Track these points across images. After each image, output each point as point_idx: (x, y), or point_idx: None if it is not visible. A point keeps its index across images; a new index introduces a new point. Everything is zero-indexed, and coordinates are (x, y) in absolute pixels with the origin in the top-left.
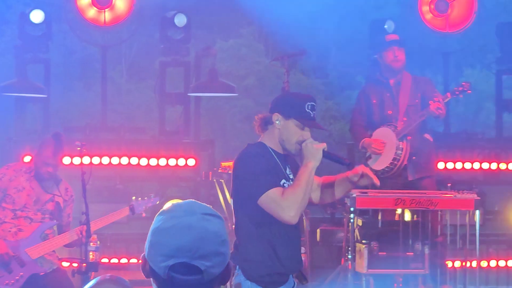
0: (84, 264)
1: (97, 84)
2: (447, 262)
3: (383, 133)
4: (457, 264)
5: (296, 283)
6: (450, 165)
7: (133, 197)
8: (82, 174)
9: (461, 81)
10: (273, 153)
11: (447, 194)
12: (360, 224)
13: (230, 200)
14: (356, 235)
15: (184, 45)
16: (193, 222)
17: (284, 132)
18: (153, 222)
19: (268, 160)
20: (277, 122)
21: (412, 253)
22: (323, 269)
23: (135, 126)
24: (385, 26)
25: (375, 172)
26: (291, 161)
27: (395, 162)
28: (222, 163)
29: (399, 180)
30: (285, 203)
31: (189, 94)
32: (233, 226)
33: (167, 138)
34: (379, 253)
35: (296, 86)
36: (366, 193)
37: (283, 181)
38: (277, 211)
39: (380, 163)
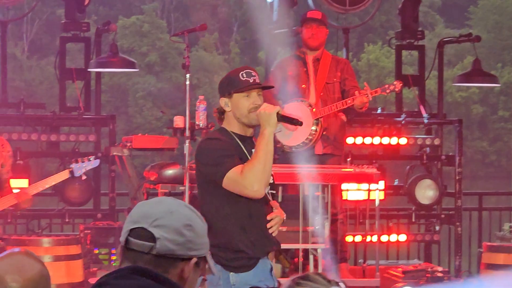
0: None
1: None
2: (347, 237)
3: (298, 109)
4: (358, 238)
5: (271, 265)
6: (350, 140)
7: (73, 160)
8: None
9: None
10: (235, 136)
11: (347, 168)
12: None
13: (131, 176)
14: None
15: (84, 21)
16: (168, 201)
17: (235, 110)
18: None
19: (227, 143)
20: (225, 105)
21: (312, 228)
22: None
23: (36, 102)
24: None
25: (286, 147)
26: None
27: (308, 141)
28: (123, 138)
29: (305, 154)
30: (245, 179)
31: (89, 69)
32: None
33: (67, 113)
34: (280, 227)
35: (198, 63)
36: None
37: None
38: (240, 190)
39: (294, 140)
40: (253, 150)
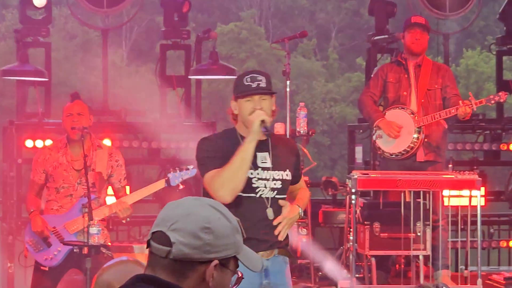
0: (86, 248)
1: (97, 68)
2: (448, 243)
3: (400, 117)
4: (459, 245)
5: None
6: (450, 146)
7: (170, 169)
8: (84, 158)
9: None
10: (241, 139)
11: (448, 174)
12: (362, 205)
13: None
14: (358, 216)
15: (184, 29)
16: (188, 203)
17: (240, 114)
18: None
19: (219, 144)
20: (234, 108)
21: (413, 234)
22: (325, 250)
23: (137, 110)
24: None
25: (387, 154)
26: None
27: (409, 149)
28: None
29: (406, 161)
30: (213, 184)
31: (189, 77)
32: None
33: (168, 120)
34: (381, 234)
35: (296, 69)
36: (367, 174)
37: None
38: (211, 193)
39: (395, 147)
40: (258, 153)
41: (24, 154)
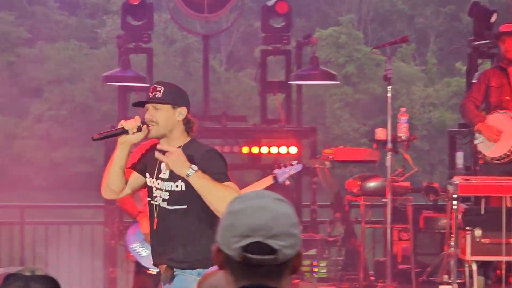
0: None
1: (196, 73)
2: None
3: (501, 121)
4: None
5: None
6: None
7: (276, 166)
8: None
9: None
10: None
11: None
12: (463, 211)
13: (332, 188)
14: (459, 222)
15: (285, 34)
16: (265, 203)
17: None
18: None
19: (145, 153)
20: None
21: None
22: (426, 256)
23: (237, 115)
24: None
25: (488, 158)
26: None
27: (510, 153)
28: (325, 150)
29: (508, 166)
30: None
31: (290, 82)
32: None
33: (268, 126)
34: (482, 239)
35: (395, 74)
36: (468, 179)
37: (147, 175)
38: None
39: (495, 151)
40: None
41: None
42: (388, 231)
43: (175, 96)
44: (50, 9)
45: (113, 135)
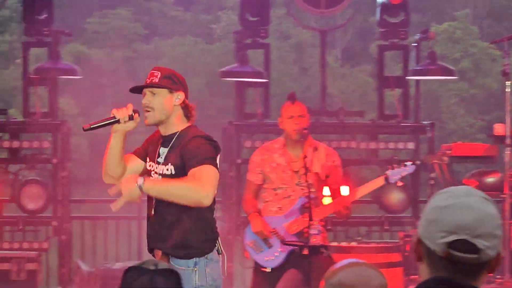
0: (306, 248)
1: (311, 69)
2: None
3: None
4: None
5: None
6: None
7: (389, 166)
8: (304, 158)
9: None
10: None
11: None
12: None
13: (451, 184)
14: None
15: (402, 29)
16: (472, 202)
17: None
18: (429, 202)
19: (149, 138)
20: None
21: None
22: None
23: (355, 110)
24: None
25: None
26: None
27: None
28: (443, 146)
29: None
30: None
31: (408, 77)
32: None
33: (386, 121)
34: None
35: None
36: None
37: (148, 160)
38: None
39: None
40: (165, 148)
41: (244, 154)
42: (507, 227)
43: (172, 81)
44: (165, 5)
45: (104, 125)
